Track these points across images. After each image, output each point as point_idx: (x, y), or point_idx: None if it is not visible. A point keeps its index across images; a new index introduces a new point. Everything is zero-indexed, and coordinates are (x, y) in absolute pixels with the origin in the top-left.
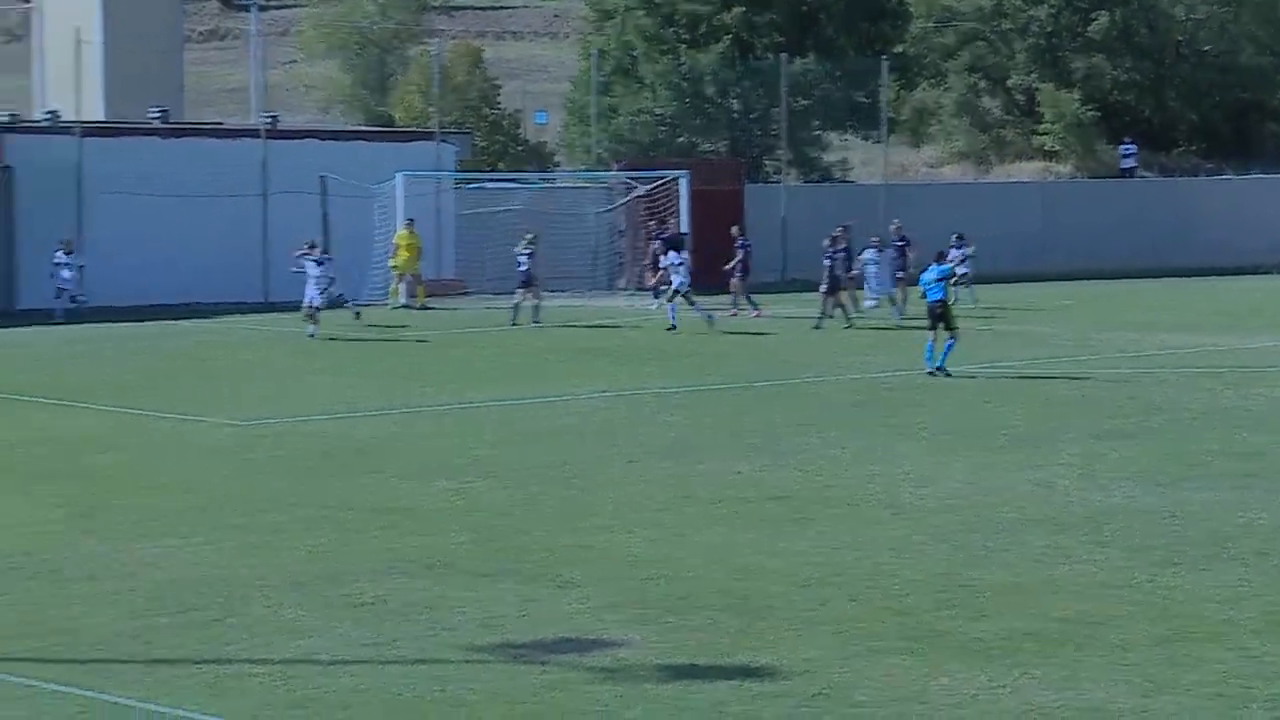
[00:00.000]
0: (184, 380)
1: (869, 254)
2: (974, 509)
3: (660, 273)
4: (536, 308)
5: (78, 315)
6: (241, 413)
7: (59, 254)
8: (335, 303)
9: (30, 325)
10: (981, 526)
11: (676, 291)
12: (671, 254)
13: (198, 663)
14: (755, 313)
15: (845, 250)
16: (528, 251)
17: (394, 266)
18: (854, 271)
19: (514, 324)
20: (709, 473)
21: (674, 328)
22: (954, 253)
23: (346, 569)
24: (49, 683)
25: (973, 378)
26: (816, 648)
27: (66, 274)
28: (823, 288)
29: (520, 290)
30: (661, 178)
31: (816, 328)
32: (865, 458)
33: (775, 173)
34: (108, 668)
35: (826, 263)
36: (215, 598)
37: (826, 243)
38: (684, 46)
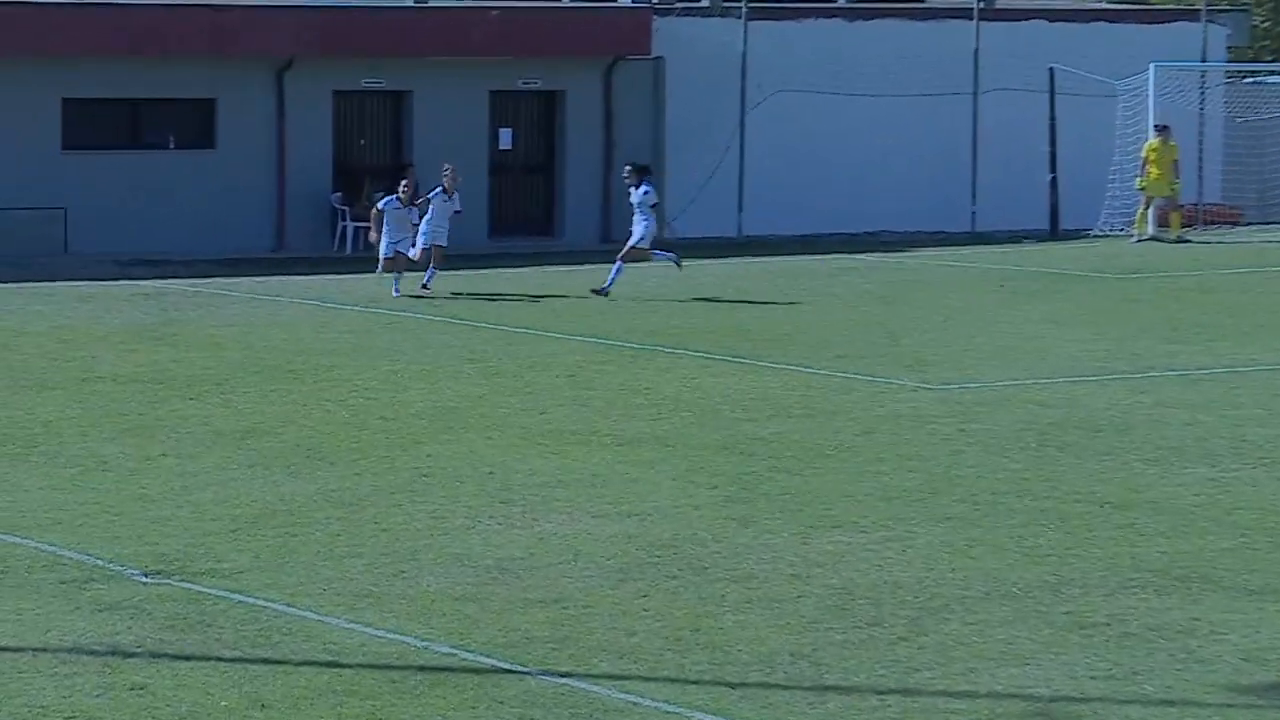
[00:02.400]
0: (864, 332)
1: None
2: None
3: None
4: None
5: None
6: (938, 374)
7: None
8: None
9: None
10: None
11: None
12: None
13: (880, 693)
14: None
15: None
16: None
17: (1141, 187)
18: None
19: None
20: None
21: None
22: None
23: (1073, 578)
24: (695, 710)
25: None
26: None
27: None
28: None
29: None
30: None
31: None
32: None
33: None
34: (766, 694)
35: None
36: (903, 610)
37: None
38: None
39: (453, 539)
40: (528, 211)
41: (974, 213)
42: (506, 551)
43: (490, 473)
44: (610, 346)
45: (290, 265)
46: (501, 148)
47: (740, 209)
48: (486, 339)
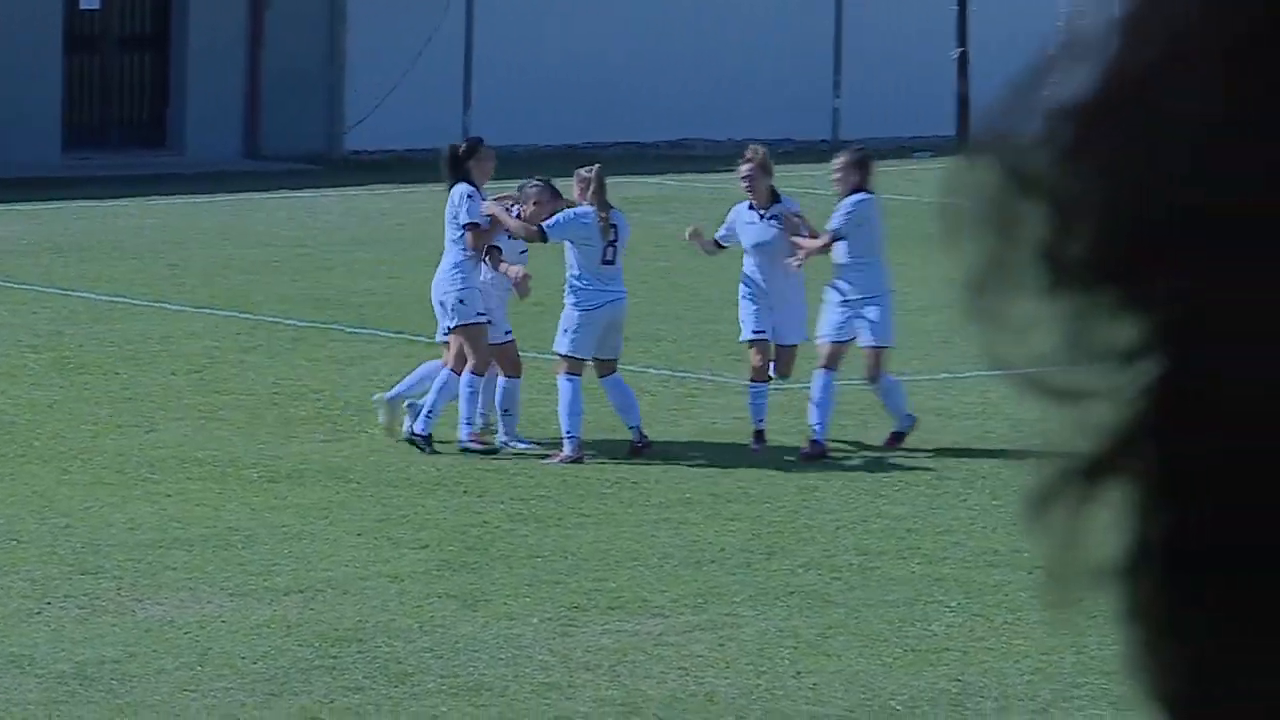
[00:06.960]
0: (654, 296)
1: None
2: None
3: None
4: None
5: None
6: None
7: None
8: None
9: None
10: None
11: None
12: None
13: None
14: None
15: None
16: None
17: None
18: None
19: None
20: None
21: None
22: None
23: (984, 685)
24: None
25: None
26: None
27: None
28: None
29: None
30: None
31: None
32: None
33: None
34: None
35: None
36: None
37: None
38: None
39: (5, 633)
40: (126, 112)
41: (836, 110)
42: (92, 651)
43: (66, 526)
44: (258, 324)
45: None
46: (84, 8)
47: (467, 105)
48: (61, 313)
